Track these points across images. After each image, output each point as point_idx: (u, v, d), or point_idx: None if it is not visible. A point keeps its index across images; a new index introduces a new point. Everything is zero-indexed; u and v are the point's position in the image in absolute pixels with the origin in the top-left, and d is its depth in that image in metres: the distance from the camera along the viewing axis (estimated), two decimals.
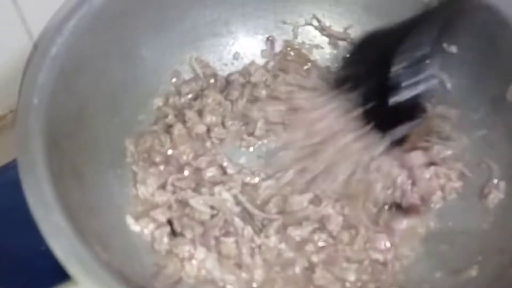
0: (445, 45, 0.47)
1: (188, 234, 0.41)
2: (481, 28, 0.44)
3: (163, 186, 0.43)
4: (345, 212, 0.44)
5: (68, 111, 0.40)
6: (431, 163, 0.45)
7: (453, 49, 0.47)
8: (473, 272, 0.39)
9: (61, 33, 0.39)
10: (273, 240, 0.42)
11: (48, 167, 0.35)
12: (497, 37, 0.43)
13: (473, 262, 0.40)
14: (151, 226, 0.41)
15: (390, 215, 0.44)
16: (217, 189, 0.43)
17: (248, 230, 0.42)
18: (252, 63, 0.51)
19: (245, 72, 0.51)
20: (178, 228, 0.41)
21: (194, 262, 0.39)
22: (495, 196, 0.43)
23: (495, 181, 0.43)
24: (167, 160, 0.45)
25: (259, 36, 0.52)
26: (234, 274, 0.41)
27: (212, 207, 0.43)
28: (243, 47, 0.52)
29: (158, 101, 0.50)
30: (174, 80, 0.50)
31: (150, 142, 0.46)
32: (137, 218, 0.42)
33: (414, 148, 0.45)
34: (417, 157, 0.45)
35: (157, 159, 0.45)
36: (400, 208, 0.44)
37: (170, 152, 0.46)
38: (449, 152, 0.45)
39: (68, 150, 0.39)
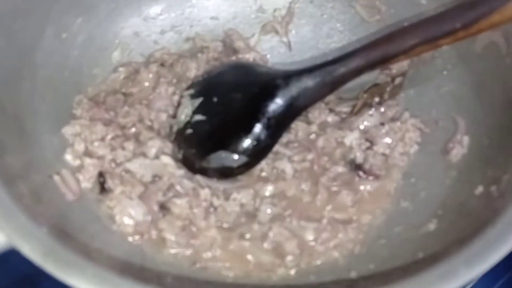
0: None
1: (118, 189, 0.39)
2: None
3: (102, 139, 0.41)
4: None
5: (7, 58, 0.38)
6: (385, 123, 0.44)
7: (423, 0, 0.45)
8: (432, 225, 0.38)
9: None
10: (231, 203, 0.40)
11: None
12: None
13: (433, 216, 0.38)
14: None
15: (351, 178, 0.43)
16: (154, 152, 0.41)
17: (205, 192, 0.40)
18: None
19: None
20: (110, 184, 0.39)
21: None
22: (459, 151, 0.41)
23: (459, 136, 0.41)
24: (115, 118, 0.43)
25: None
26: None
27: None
28: None
29: (116, 55, 0.47)
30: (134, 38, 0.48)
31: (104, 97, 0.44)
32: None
33: (364, 110, 0.44)
34: (369, 119, 0.44)
35: (107, 115, 0.43)
36: (364, 172, 0.43)
37: (125, 109, 0.44)
38: (400, 110, 0.45)
39: (8, 103, 0.37)
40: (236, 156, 0.41)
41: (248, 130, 0.42)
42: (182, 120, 0.43)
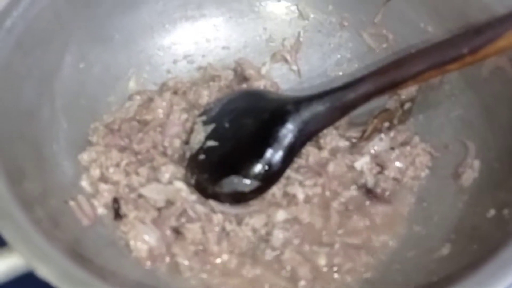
0: (422, 24, 0.46)
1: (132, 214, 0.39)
2: (455, 8, 0.43)
3: (117, 165, 0.42)
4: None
5: (27, 87, 0.39)
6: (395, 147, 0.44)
7: (429, 28, 0.46)
8: (445, 250, 0.38)
9: (18, 5, 0.38)
10: (244, 228, 0.41)
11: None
12: (470, 17, 0.42)
13: (446, 240, 0.38)
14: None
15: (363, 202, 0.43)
16: (168, 177, 0.42)
17: (218, 217, 0.41)
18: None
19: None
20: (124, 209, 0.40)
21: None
22: (470, 176, 0.41)
23: (470, 160, 0.42)
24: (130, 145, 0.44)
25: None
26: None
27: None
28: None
29: (131, 84, 0.49)
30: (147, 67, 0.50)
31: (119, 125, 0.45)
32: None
33: (374, 135, 0.45)
34: (379, 143, 0.44)
35: (122, 142, 0.44)
36: (375, 197, 0.43)
37: (139, 135, 0.45)
38: (410, 134, 0.45)
39: (27, 130, 0.38)
40: (248, 181, 0.42)
41: (259, 155, 0.42)
42: (195, 146, 0.44)
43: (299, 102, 0.43)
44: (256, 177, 0.42)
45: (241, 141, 0.43)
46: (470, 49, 0.37)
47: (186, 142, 0.45)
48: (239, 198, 0.42)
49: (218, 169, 0.42)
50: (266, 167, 0.42)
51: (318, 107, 0.42)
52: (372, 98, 0.41)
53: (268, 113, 0.43)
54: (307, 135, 0.43)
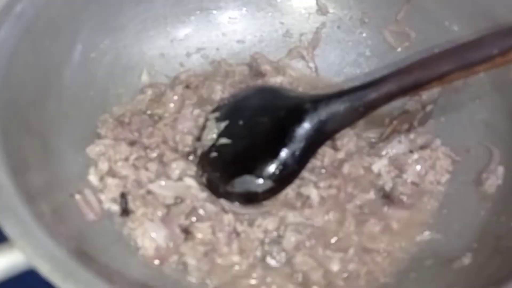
0: (446, 23, 0.44)
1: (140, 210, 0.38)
2: (482, 6, 0.42)
3: (126, 159, 0.40)
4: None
5: (35, 76, 0.38)
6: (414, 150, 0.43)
7: (455, 27, 0.44)
8: (466, 260, 0.36)
9: None
10: (255, 229, 0.39)
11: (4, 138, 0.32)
12: (497, 16, 0.41)
13: (467, 250, 0.37)
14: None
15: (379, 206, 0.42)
16: (178, 173, 0.40)
17: (229, 217, 0.39)
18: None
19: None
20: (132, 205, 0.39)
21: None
22: (493, 182, 0.40)
23: (493, 166, 0.40)
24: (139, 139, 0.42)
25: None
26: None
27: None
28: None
29: (143, 76, 0.47)
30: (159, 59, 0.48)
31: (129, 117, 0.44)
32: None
33: (393, 136, 0.44)
34: (398, 146, 0.43)
35: (132, 136, 0.42)
36: (392, 201, 0.42)
37: (150, 129, 0.43)
38: (430, 137, 0.44)
39: (34, 121, 0.37)
40: (261, 181, 0.40)
41: (274, 155, 0.41)
42: (207, 143, 0.42)
43: (318, 101, 0.41)
44: (270, 177, 0.40)
45: (255, 139, 0.42)
46: (500, 49, 0.35)
47: (198, 139, 0.43)
48: (251, 198, 0.41)
49: (230, 168, 0.41)
50: (281, 167, 0.40)
51: (337, 107, 0.40)
52: (395, 98, 0.39)
53: (285, 111, 0.42)
54: (325, 135, 0.42)
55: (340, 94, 0.41)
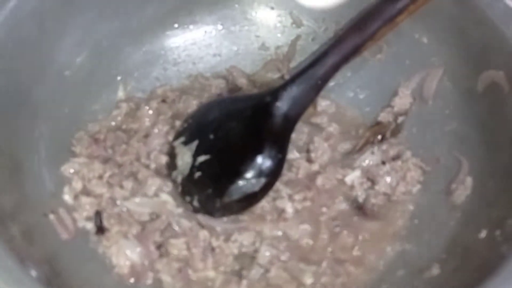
0: (416, 35, 0.45)
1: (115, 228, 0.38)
2: (451, 19, 0.43)
3: (100, 177, 0.41)
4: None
5: (6, 95, 0.38)
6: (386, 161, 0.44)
7: (424, 39, 0.45)
8: (435, 270, 0.37)
9: None
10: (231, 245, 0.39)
11: None
12: (467, 28, 0.42)
13: (436, 260, 0.37)
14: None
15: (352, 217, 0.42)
16: (154, 190, 0.41)
17: (204, 233, 0.39)
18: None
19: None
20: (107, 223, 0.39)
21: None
22: (462, 192, 0.40)
23: (462, 176, 0.41)
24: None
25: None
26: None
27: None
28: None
29: (120, 93, 0.47)
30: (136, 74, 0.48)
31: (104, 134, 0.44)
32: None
33: (366, 148, 0.45)
34: (371, 157, 0.44)
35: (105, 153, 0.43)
36: (365, 212, 0.43)
37: (123, 147, 0.44)
38: (402, 148, 0.45)
39: (3, 142, 0.37)
40: (254, 180, 0.41)
41: (257, 152, 0.41)
42: (185, 168, 0.42)
43: (276, 91, 0.43)
44: (261, 174, 0.41)
45: (234, 145, 0.42)
46: None
47: (171, 168, 0.43)
48: (251, 200, 0.41)
49: (220, 180, 0.41)
50: (268, 161, 0.41)
51: (295, 90, 0.42)
52: (340, 67, 0.42)
53: (250, 110, 0.43)
54: (293, 119, 0.43)
55: (293, 78, 0.43)
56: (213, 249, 0.40)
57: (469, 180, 0.41)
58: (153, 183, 0.41)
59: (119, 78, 0.48)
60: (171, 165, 0.43)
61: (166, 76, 0.50)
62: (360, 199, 0.43)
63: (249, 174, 0.41)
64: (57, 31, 0.42)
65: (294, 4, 0.50)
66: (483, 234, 0.36)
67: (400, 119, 0.46)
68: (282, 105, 0.42)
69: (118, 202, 0.40)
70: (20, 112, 0.39)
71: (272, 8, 0.51)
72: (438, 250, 0.38)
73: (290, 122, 0.43)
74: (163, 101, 0.48)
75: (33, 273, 0.29)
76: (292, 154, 0.45)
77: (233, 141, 0.43)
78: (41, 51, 0.41)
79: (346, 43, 0.41)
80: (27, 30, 0.39)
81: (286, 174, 0.44)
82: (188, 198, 0.41)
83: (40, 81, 0.41)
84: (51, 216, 0.38)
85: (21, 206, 0.35)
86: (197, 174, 0.41)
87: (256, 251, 0.40)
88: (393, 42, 0.46)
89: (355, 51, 0.42)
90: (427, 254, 0.39)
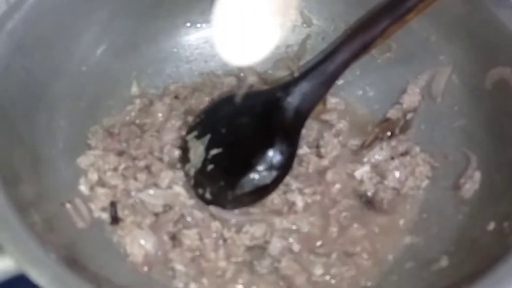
0: (425, 34, 0.46)
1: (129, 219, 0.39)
2: (459, 18, 0.43)
3: (115, 169, 0.42)
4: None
5: (26, 90, 0.39)
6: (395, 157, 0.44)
7: (433, 38, 0.45)
8: (443, 262, 0.37)
9: (19, 9, 0.38)
10: (242, 236, 0.40)
11: None
12: (475, 27, 0.42)
13: (445, 253, 0.38)
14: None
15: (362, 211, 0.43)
16: (167, 182, 0.42)
17: (216, 224, 0.40)
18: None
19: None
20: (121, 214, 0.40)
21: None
22: (470, 187, 0.41)
23: (470, 171, 0.41)
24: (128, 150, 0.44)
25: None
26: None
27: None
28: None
29: (133, 87, 0.48)
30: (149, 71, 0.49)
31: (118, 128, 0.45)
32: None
33: (375, 144, 0.45)
34: (380, 152, 0.44)
35: (120, 146, 0.44)
36: (374, 206, 0.43)
37: (137, 140, 0.45)
38: (411, 144, 0.45)
39: (26, 134, 0.38)
40: (265, 173, 0.41)
41: (268, 145, 0.42)
42: (198, 161, 0.43)
43: (287, 87, 0.44)
44: (272, 167, 0.42)
45: (245, 138, 0.43)
46: None
47: (184, 161, 0.44)
48: (262, 193, 0.42)
49: (233, 172, 0.42)
50: (279, 155, 0.42)
51: (306, 86, 0.43)
52: (350, 64, 0.43)
53: (261, 106, 0.44)
54: (304, 114, 0.44)
55: (304, 75, 0.44)
56: (225, 240, 0.40)
57: (477, 175, 0.41)
58: (166, 176, 0.42)
59: (133, 74, 0.49)
60: (184, 158, 0.43)
61: (179, 73, 0.51)
62: (370, 194, 0.43)
63: (260, 167, 0.41)
64: (75, 27, 0.43)
65: (304, 3, 0.51)
66: (491, 226, 0.37)
67: (409, 115, 0.47)
68: (293, 100, 0.43)
69: (133, 194, 0.41)
70: (39, 106, 0.40)
71: None
72: (447, 242, 0.39)
73: (301, 117, 0.44)
74: (176, 97, 0.49)
75: (53, 256, 0.30)
76: (302, 150, 0.45)
77: (245, 135, 0.43)
78: (60, 47, 0.42)
79: (355, 41, 0.42)
80: (46, 26, 0.41)
81: (296, 169, 0.44)
82: (200, 191, 0.42)
83: (58, 76, 0.43)
84: (68, 206, 0.39)
85: (41, 196, 0.36)
86: (210, 167, 0.42)
87: (267, 242, 0.40)
88: (402, 40, 0.47)
89: (364, 48, 0.42)
90: (436, 246, 0.39)
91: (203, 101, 0.48)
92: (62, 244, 0.33)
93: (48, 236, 0.32)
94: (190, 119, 0.46)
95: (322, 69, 0.43)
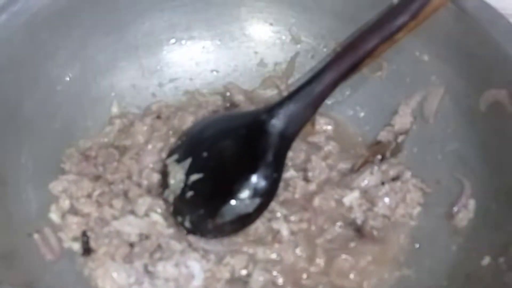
0: (417, 53, 0.44)
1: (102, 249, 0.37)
2: (453, 37, 0.42)
3: (89, 195, 0.39)
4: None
5: None
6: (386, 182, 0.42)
7: (425, 57, 0.44)
8: None
9: None
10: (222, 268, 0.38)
11: None
12: (469, 46, 0.41)
13: (437, 287, 0.36)
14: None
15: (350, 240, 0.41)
16: (144, 210, 0.40)
17: (195, 256, 0.38)
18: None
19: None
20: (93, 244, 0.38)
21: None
22: (465, 216, 0.39)
23: (465, 199, 0.39)
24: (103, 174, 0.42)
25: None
26: None
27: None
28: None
29: (115, 109, 0.46)
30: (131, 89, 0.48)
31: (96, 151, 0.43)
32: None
33: (365, 167, 0.43)
34: (370, 177, 0.42)
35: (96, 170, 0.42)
36: (363, 235, 0.41)
37: (115, 164, 0.43)
38: (402, 169, 0.43)
39: None
40: (248, 201, 0.39)
41: (252, 171, 0.40)
42: (177, 186, 0.41)
43: (272, 109, 0.42)
44: (255, 194, 0.40)
45: (228, 163, 0.41)
46: (411, 15, 0.39)
47: (163, 187, 0.42)
48: (244, 222, 0.40)
49: (213, 199, 0.40)
50: (262, 181, 0.40)
51: (291, 108, 0.41)
52: (338, 84, 0.41)
53: (245, 128, 0.42)
54: (289, 137, 0.42)
55: (290, 96, 0.42)
56: (204, 273, 0.38)
57: (472, 203, 0.39)
58: (144, 202, 0.40)
59: (113, 94, 0.47)
60: (163, 183, 0.41)
61: (162, 92, 0.49)
62: (359, 221, 0.41)
63: (243, 194, 0.39)
64: (50, 44, 0.42)
65: (293, 20, 0.49)
66: (486, 261, 0.35)
67: (400, 138, 0.45)
68: (278, 123, 0.41)
69: (107, 222, 0.39)
70: (7, 127, 0.38)
71: (271, 24, 0.50)
72: (439, 276, 0.37)
73: (286, 140, 0.42)
74: (158, 117, 0.47)
75: None
76: (289, 173, 0.43)
77: (227, 159, 0.41)
78: (33, 65, 0.41)
79: (344, 60, 0.41)
80: (19, 43, 0.39)
81: (282, 194, 0.42)
82: (179, 218, 0.40)
83: (30, 95, 0.41)
84: (36, 236, 0.36)
85: (4, 227, 0.34)
86: (189, 193, 0.40)
87: (249, 275, 0.38)
88: (393, 59, 0.45)
89: (353, 68, 0.41)
90: (428, 280, 0.37)
91: (186, 121, 0.46)
92: (23, 281, 0.31)
93: (6, 276, 0.29)
94: (172, 140, 0.44)
95: (309, 89, 0.41)
